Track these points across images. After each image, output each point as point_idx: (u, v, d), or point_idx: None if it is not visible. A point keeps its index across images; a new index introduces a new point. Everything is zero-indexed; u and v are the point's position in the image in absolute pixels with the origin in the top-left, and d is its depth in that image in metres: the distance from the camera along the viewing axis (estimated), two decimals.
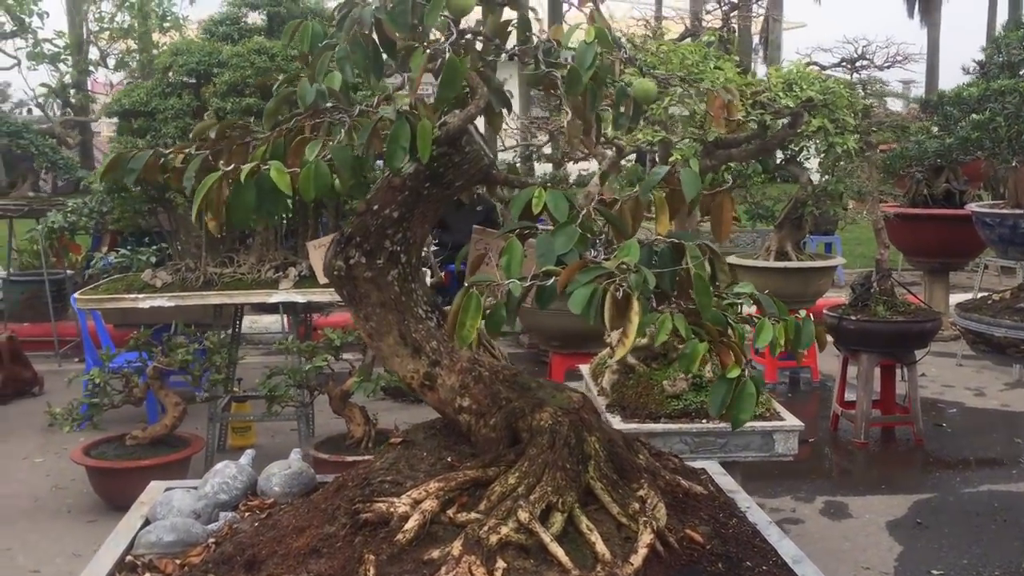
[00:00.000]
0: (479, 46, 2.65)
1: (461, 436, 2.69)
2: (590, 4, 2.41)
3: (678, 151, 4.15)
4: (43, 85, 9.72)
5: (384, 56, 2.32)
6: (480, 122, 2.68)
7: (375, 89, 2.46)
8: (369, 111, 2.42)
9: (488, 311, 2.18)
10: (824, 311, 5.98)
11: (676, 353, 4.08)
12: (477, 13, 2.68)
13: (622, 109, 2.37)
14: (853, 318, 5.66)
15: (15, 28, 9.09)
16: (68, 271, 8.73)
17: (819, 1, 29.87)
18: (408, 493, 2.42)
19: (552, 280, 2.27)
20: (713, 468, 3.07)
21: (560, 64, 2.24)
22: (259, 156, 2.30)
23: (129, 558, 2.57)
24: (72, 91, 10.02)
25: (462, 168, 2.58)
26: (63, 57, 9.31)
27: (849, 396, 6.06)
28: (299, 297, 4.99)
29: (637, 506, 2.35)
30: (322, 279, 4.78)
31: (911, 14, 31.12)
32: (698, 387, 3.87)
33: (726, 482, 2.97)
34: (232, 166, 2.19)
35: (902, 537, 4.53)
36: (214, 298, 4.95)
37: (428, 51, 2.23)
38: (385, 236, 2.63)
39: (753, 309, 2.55)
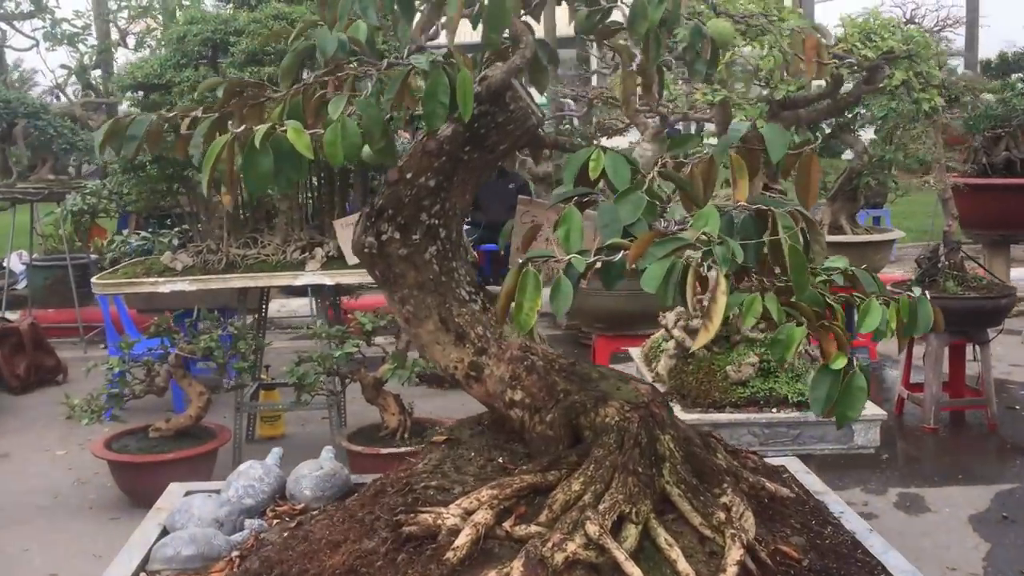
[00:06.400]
0: None
1: (512, 433, 2.37)
2: None
3: (743, 111, 3.76)
4: (63, 67, 9.49)
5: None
6: None
7: (403, 40, 2.14)
8: (399, 63, 2.08)
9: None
10: (888, 288, 5.58)
11: (739, 336, 3.73)
12: None
13: (698, 52, 2.02)
14: None
15: (32, 8, 8.83)
16: (93, 255, 8.48)
17: None
18: (457, 502, 2.11)
19: (620, 254, 1.93)
20: (794, 465, 2.74)
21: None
22: (275, 117, 1.99)
23: (143, 575, 2.29)
24: (94, 72, 9.76)
25: (506, 129, 2.25)
26: (82, 38, 9.05)
27: (915, 378, 5.67)
28: (327, 279, 4.68)
29: (722, 515, 2.03)
30: (351, 259, 4.48)
31: None
32: (766, 373, 3.53)
33: (811, 481, 2.63)
34: (243, 128, 1.87)
35: (988, 534, 4.15)
36: (236, 281, 4.67)
37: None
38: (421, 208, 2.31)
39: None
